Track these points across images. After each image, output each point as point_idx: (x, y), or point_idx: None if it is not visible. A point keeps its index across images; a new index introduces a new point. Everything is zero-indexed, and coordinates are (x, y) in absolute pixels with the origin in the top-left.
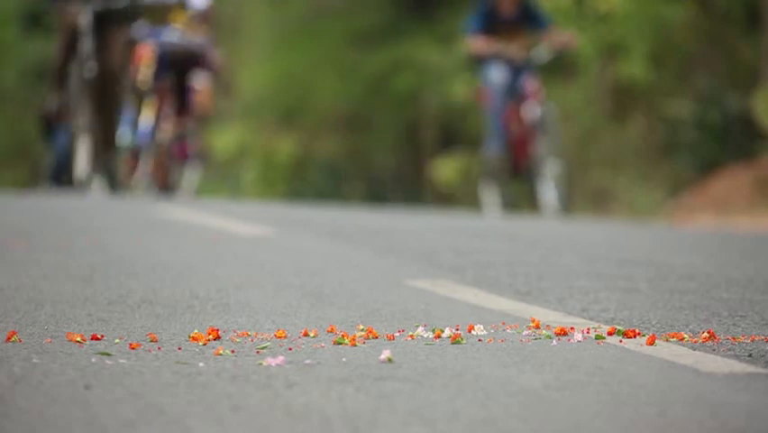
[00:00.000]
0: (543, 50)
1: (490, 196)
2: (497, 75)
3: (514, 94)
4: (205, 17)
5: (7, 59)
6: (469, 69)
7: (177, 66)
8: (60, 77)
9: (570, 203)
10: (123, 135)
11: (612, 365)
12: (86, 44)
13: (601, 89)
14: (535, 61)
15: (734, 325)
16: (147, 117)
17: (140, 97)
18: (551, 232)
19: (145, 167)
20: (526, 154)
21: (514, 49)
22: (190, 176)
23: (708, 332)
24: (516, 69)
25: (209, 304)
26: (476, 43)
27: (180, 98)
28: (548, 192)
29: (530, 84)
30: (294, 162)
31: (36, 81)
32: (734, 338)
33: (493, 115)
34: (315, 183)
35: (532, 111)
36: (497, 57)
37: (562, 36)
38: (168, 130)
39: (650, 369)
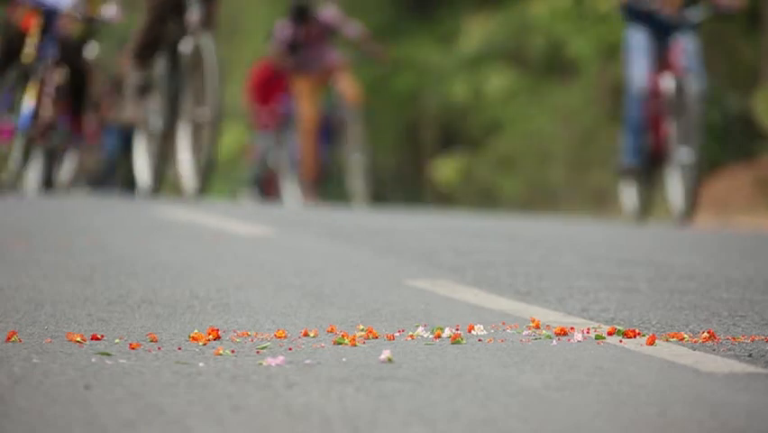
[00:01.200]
0: (699, 9)
1: (629, 196)
2: (638, 68)
3: (658, 62)
4: None
5: None
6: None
7: (66, 42)
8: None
9: (695, 204)
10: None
11: (612, 365)
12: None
13: (601, 89)
14: (690, 21)
15: (734, 325)
16: (29, 97)
17: (25, 73)
18: (551, 232)
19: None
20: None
21: (666, 7)
22: (67, 165)
23: (708, 332)
24: (666, 31)
25: (209, 304)
26: None
27: (73, 76)
28: (673, 188)
29: (676, 49)
30: None
31: None
32: (734, 338)
33: (629, 115)
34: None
35: (667, 84)
36: (641, 17)
37: None
38: (50, 111)
39: (650, 369)
